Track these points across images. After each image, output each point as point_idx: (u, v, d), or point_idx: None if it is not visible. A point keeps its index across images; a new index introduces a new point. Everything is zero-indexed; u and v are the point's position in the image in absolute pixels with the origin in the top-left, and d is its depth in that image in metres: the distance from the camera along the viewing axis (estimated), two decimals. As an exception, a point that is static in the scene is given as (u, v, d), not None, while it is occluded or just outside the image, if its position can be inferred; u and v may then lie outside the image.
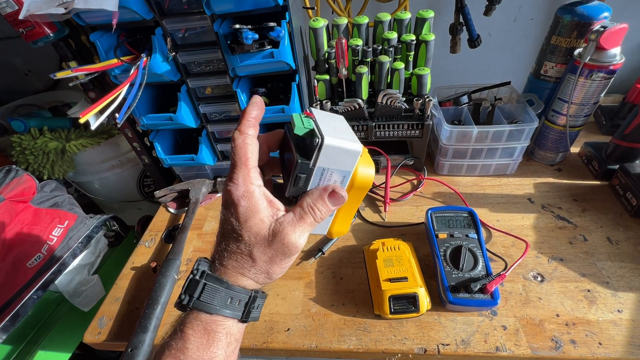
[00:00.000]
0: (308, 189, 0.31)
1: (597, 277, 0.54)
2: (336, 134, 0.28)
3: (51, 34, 0.58)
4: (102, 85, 0.72)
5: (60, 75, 0.47)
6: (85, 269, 0.83)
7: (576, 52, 0.63)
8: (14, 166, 0.77)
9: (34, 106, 1.06)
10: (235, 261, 0.31)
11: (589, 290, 0.52)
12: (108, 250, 0.90)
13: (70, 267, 0.77)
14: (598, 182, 0.71)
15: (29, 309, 0.69)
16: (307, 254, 0.62)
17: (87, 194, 1.09)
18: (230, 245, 0.31)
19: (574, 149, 0.77)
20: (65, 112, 1.02)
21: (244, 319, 0.31)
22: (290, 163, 0.30)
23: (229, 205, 0.30)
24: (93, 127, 0.46)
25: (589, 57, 0.59)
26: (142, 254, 0.68)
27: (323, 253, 0.62)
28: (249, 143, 0.30)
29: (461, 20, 0.77)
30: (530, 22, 0.89)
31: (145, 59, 0.55)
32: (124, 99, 0.52)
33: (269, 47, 0.54)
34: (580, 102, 0.64)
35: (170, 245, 0.65)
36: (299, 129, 0.28)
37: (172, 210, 0.78)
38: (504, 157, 0.71)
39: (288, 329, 0.52)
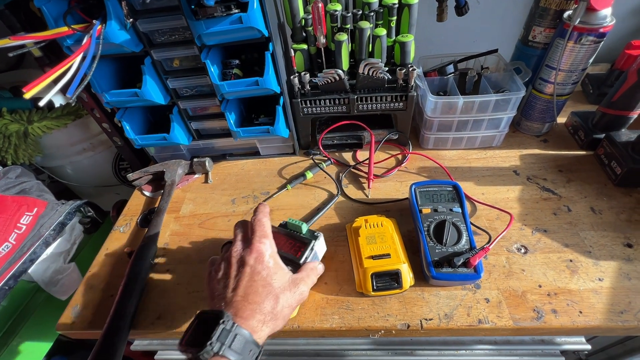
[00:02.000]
0: (307, 260, 0.48)
1: (579, 247, 0.54)
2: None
3: (-9, 0, 0.52)
4: (59, 59, 0.66)
5: (-3, 44, 0.41)
6: (61, 257, 0.80)
7: (566, 14, 0.60)
8: (-29, 151, 0.72)
9: (-8, 87, 0.98)
10: (259, 313, 0.38)
11: (571, 260, 0.52)
12: (84, 237, 0.86)
13: (43, 256, 0.74)
14: (583, 152, 0.70)
15: (1, 299, 0.66)
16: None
17: (60, 180, 1.03)
18: (254, 297, 0.38)
19: (561, 119, 0.76)
20: (27, 92, 0.95)
21: None
22: (288, 245, 0.50)
23: (261, 260, 0.41)
24: (42, 103, 0.41)
25: (579, 19, 0.56)
26: (117, 240, 0.65)
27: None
28: (267, 222, 0.46)
29: (448, -16, 0.72)
30: (520, -13, 0.85)
31: (99, 27, 0.50)
32: (78, 71, 0.47)
33: (236, 10, 0.49)
34: (569, 68, 0.62)
35: (146, 230, 0.62)
36: (306, 231, 0.51)
37: (147, 193, 0.74)
38: (490, 128, 0.69)
39: (269, 310, 0.51)
